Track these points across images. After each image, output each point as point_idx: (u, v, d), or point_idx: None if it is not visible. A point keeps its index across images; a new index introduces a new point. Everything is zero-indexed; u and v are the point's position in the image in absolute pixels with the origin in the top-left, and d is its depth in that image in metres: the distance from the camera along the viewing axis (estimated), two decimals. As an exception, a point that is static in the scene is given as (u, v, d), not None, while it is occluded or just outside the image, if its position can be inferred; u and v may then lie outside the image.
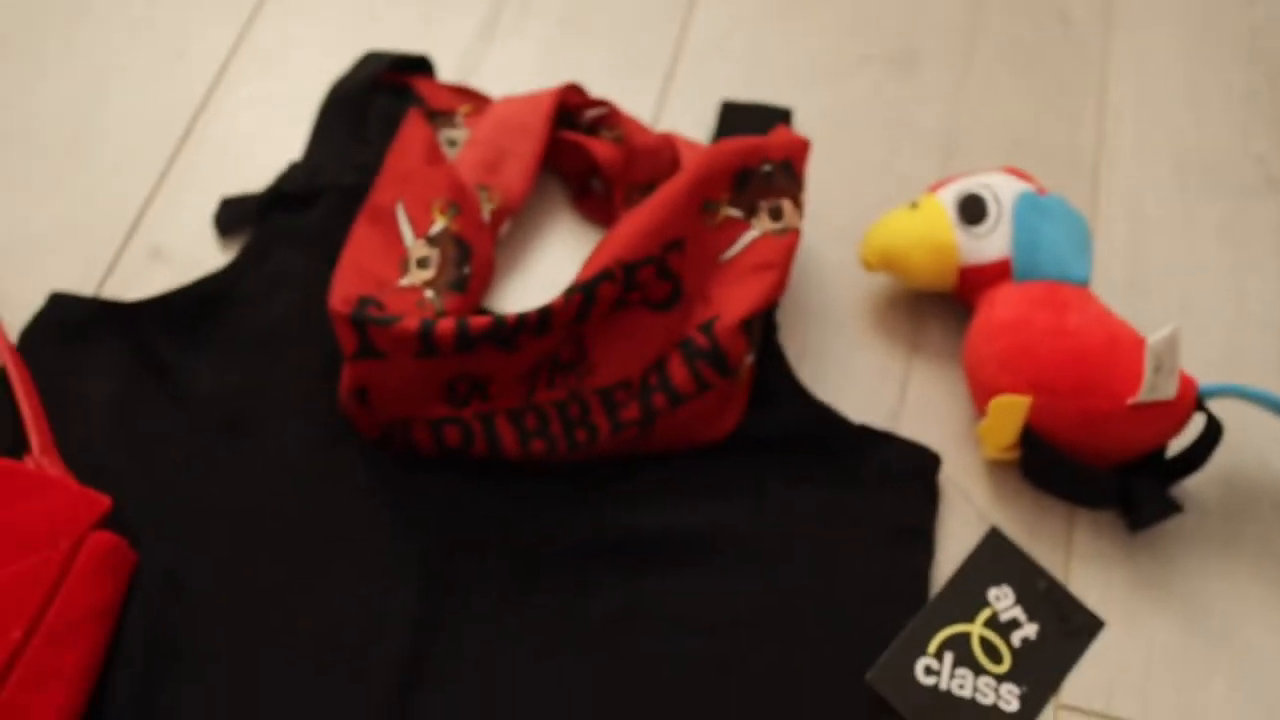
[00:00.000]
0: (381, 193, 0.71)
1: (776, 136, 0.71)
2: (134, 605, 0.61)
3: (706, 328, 0.66)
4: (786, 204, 0.69)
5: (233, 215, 0.76)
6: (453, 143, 0.77)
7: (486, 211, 0.73)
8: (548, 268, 0.76)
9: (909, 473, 0.68)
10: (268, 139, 0.80)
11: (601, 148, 0.76)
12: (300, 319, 0.71)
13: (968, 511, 0.69)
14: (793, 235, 0.69)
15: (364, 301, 0.64)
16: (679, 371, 0.66)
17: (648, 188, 0.75)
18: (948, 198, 0.71)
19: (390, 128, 0.77)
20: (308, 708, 0.60)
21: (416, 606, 0.62)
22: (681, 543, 0.65)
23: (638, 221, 0.67)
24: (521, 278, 0.76)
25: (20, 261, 0.75)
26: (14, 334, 0.71)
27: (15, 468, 0.60)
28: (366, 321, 0.62)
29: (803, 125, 0.82)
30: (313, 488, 0.66)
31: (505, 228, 0.75)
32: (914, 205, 0.72)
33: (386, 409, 0.65)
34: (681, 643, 0.63)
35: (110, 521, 0.61)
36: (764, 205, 0.70)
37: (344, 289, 0.65)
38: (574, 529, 0.65)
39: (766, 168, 0.70)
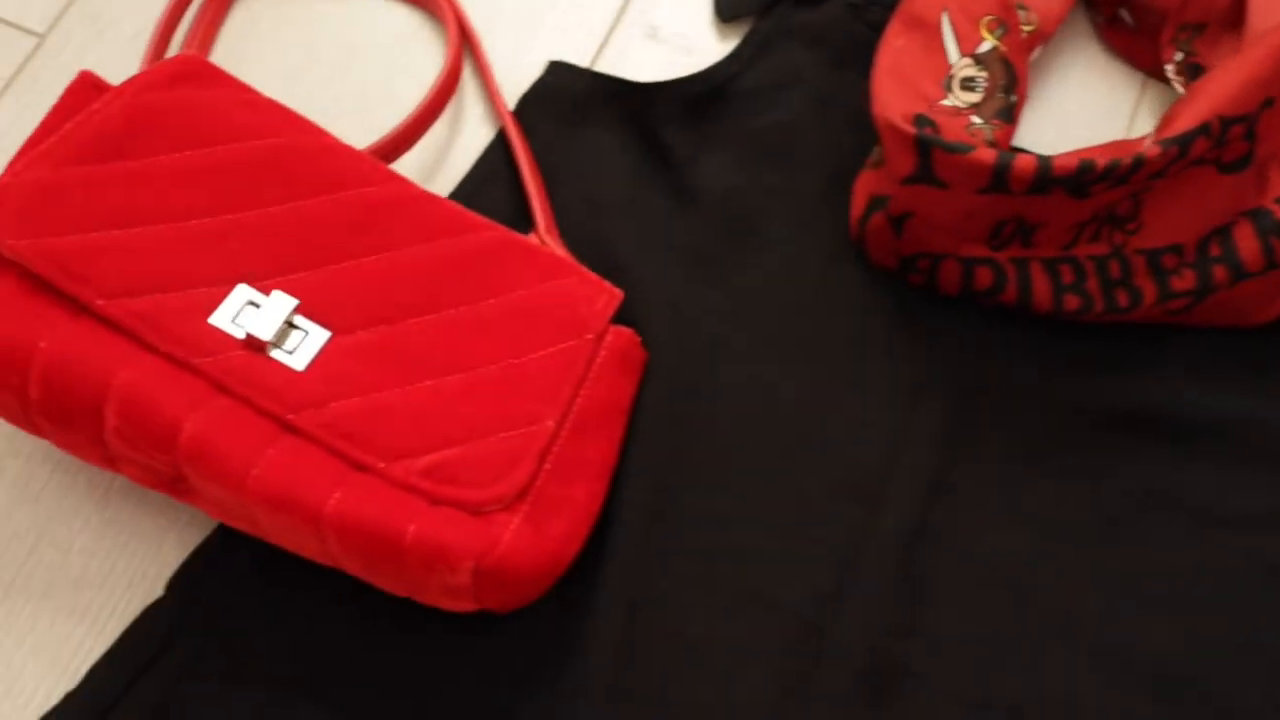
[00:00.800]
0: (920, 1, 0.65)
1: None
2: (645, 405, 0.58)
3: (1287, 200, 0.58)
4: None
5: (737, 2, 0.70)
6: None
7: (1024, 33, 0.65)
8: (1069, 102, 0.69)
9: None
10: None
11: (1155, -24, 0.67)
12: (805, 124, 0.66)
13: None
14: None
15: (921, 120, 0.58)
16: (1248, 245, 0.58)
17: (1199, 28, 0.66)
18: None
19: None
20: (813, 531, 0.57)
21: (931, 454, 0.58)
22: (1215, 428, 0.59)
23: (1241, 73, 0.58)
24: (1040, 110, 0.69)
25: (517, 28, 0.71)
26: (510, 101, 0.68)
27: (535, 249, 0.57)
28: (932, 145, 0.56)
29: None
30: (820, 306, 0.62)
31: (1036, 53, 0.67)
32: None
33: (922, 240, 0.60)
34: (1209, 537, 0.57)
35: (619, 315, 0.58)
36: None
37: (896, 102, 0.59)
38: (1100, 397, 0.60)
39: None
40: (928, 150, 0.57)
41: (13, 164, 0.54)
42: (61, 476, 0.60)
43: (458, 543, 0.49)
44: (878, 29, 0.66)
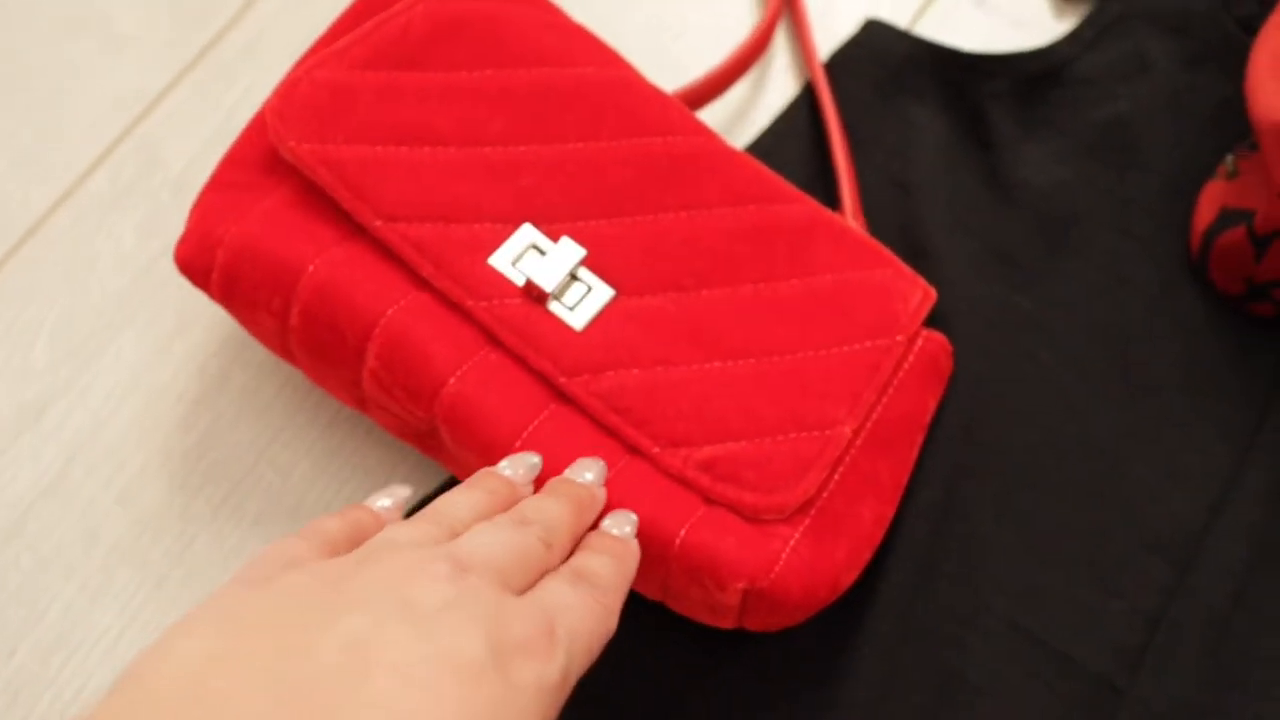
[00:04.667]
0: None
1: None
2: (938, 417, 0.52)
3: None
4: None
5: (1083, -22, 0.63)
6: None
7: None
8: None
9: None
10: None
11: None
12: (1148, 121, 0.58)
13: None
14: None
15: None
16: None
17: None
18: None
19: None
20: (1116, 582, 0.51)
21: (1259, 513, 0.51)
22: None
23: None
24: None
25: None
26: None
27: (848, 230, 0.51)
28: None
29: None
30: (1146, 328, 0.55)
31: None
32: None
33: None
34: None
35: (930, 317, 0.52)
36: None
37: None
38: None
39: None
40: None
41: (304, 59, 0.49)
42: (290, 395, 0.56)
43: (732, 557, 0.44)
44: (1249, 26, 0.58)
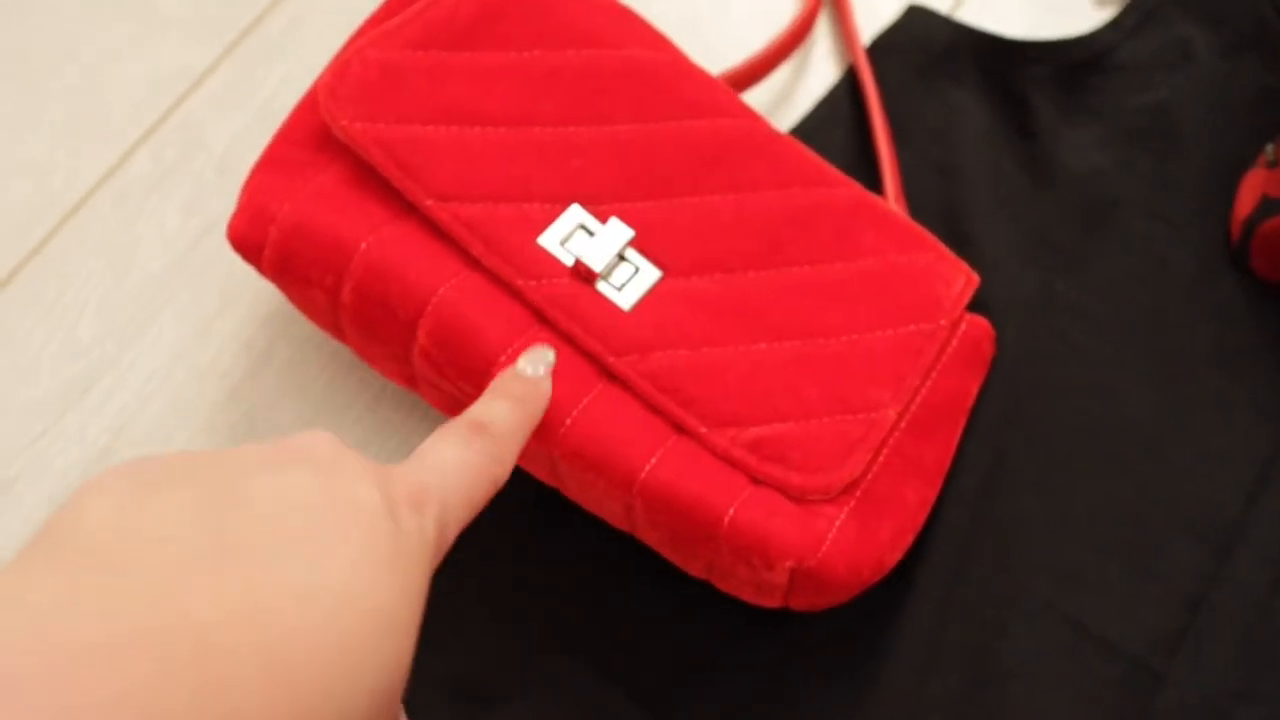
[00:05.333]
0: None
1: None
2: (979, 402, 0.52)
3: None
4: None
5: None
6: None
7: None
8: None
9: None
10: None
11: None
12: (1189, 109, 0.59)
13: None
14: None
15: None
16: None
17: None
18: None
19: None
20: (1153, 566, 0.51)
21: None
22: None
23: None
24: None
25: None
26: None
27: (892, 214, 0.51)
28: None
29: None
30: (1186, 314, 0.55)
31: None
32: None
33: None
34: None
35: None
36: None
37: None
38: None
39: None
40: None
41: (354, 39, 0.50)
42: (334, 373, 0.57)
43: (780, 536, 0.44)
44: (1290, 16, 0.58)
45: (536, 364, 0.45)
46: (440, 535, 0.36)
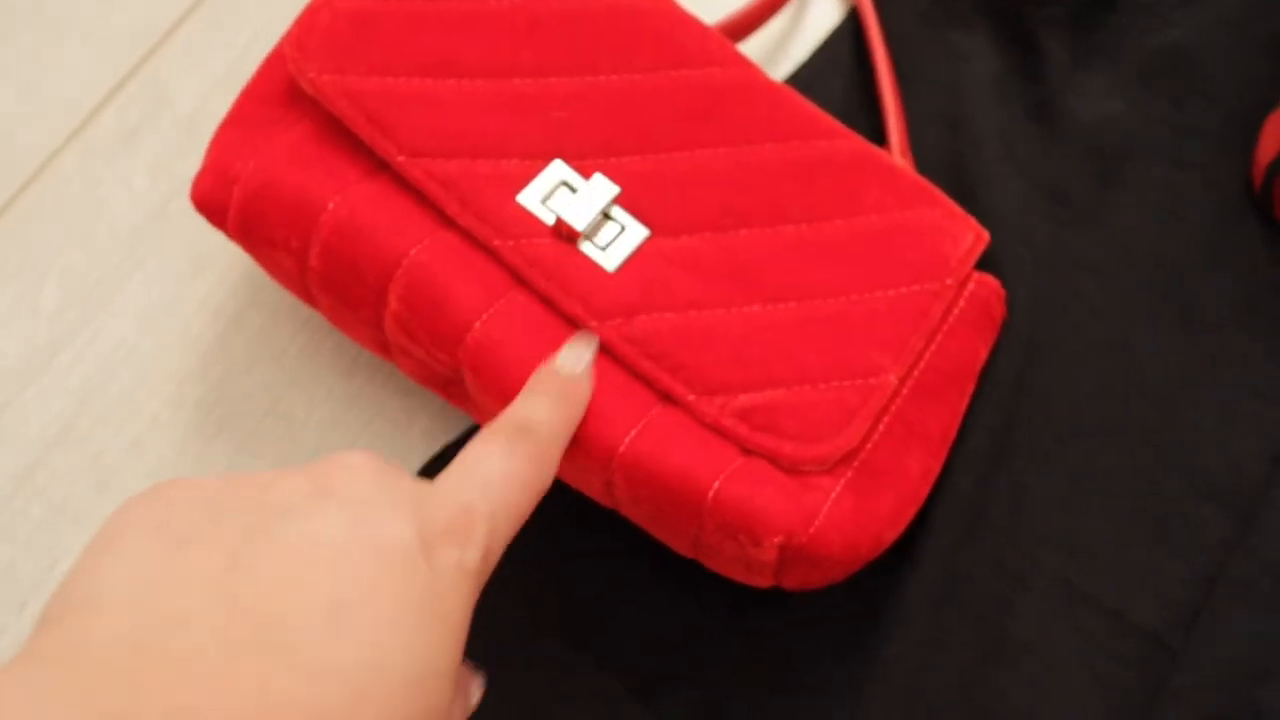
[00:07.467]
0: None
1: None
2: (994, 364, 0.49)
3: None
4: None
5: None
6: None
7: None
8: None
9: None
10: None
11: None
12: (1208, 49, 0.56)
13: None
14: None
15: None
16: None
17: None
18: None
19: None
20: (1168, 534, 0.49)
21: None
22: None
23: None
24: None
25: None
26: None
27: (896, 168, 0.48)
28: None
29: None
30: (1205, 265, 0.52)
31: None
32: None
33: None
34: None
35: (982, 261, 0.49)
36: None
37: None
38: None
39: None
40: None
41: (323, -15, 0.47)
42: (308, 339, 0.54)
43: (769, 511, 0.41)
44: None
45: (578, 359, 0.42)
46: (485, 560, 0.34)
